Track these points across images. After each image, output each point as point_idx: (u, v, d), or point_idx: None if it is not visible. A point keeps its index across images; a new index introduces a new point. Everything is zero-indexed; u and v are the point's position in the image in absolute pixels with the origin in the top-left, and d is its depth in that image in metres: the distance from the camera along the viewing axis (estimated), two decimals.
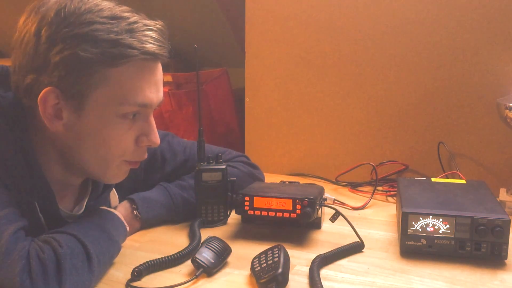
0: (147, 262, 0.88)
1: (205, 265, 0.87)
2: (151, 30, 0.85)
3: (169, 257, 0.91)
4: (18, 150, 0.84)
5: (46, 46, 0.81)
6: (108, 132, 0.86)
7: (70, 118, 0.84)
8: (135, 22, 0.84)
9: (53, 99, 0.83)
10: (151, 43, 0.84)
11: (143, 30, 0.84)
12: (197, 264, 0.87)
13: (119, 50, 0.82)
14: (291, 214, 1.01)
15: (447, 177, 1.30)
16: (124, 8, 0.86)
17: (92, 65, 0.81)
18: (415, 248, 0.96)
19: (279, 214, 1.01)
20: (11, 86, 0.87)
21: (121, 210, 1.05)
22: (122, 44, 0.82)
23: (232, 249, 0.93)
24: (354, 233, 1.00)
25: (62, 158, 0.90)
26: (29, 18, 0.84)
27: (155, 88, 0.88)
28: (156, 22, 0.88)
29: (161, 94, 0.90)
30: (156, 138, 0.91)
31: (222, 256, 0.90)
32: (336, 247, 0.97)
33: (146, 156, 0.94)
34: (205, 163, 1.11)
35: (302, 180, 1.41)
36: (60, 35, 0.81)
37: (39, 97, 0.82)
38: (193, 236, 1.02)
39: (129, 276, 0.86)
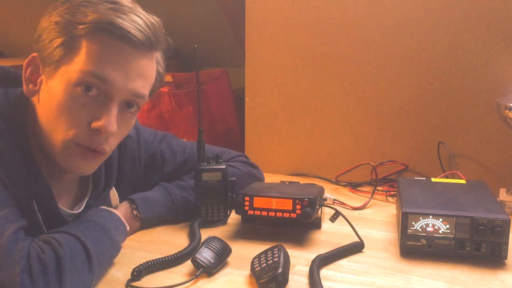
0: (147, 262, 0.88)
1: (205, 265, 0.87)
2: (137, 15, 0.84)
3: (169, 257, 0.91)
4: (16, 148, 0.84)
5: (44, 18, 0.85)
6: (62, 100, 0.83)
7: (43, 85, 0.85)
8: (124, 6, 0.84)
9: (34, 65, 0.86)
10: (126, 21, 0.82)
11: (127, 12, 0.83)
12: (197, 264, 0.87)
13: (87, 18, 0.82)
14: (291, 214, 1.01)
15: (447, 177, 1.30)
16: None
17: (63, 30, 0.83)
18: (415, 248, 0.96)
19: (279, 214, 1.01)
20: (12, 84, 0.88)
21: (121, 210, 1.05)
22: (95, 13, 0.82)
23: (232, 249, 0.93)
24: (354, 233, 1.00)
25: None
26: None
27: (122, 71, 0.84)
28: (150, 15, 0.87)
29: (133, 83, 0.85)
30: (108, 123, 0.84)
31: (222, 256, 0.90)
32: (336, 247, 0.97)
33: (101, 146, 0.86)
34: (205, 163, 1.11)
35: (302, 180, 1.41)
36: (57, 9, 0.84)
37: (25, 62, 0.85)
38: (193, 236, 1.02)
39: (129, 276, 0.86)
